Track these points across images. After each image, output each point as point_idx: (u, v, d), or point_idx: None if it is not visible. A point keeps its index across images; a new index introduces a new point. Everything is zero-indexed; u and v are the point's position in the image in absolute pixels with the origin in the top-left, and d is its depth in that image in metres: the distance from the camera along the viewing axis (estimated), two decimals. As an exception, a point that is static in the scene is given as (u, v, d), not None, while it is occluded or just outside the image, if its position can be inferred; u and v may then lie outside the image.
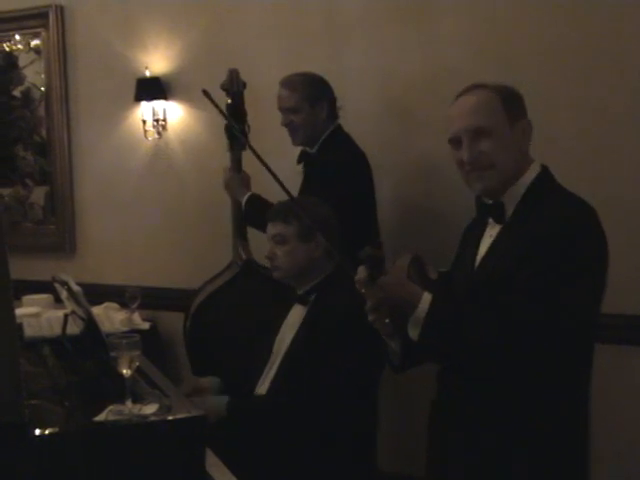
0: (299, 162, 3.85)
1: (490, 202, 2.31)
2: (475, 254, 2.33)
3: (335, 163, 3.64)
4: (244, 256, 4.15)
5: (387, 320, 2.21)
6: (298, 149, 3.87)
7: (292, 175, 3.66)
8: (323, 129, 3.79)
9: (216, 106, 2.72)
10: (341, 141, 3.81)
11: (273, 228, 3.05)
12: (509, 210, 2.26)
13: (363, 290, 2.19)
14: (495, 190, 2.27)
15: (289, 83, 3.79)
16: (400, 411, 4.10)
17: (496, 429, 2.19)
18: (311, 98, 3.75)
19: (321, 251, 2.98)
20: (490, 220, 2.32)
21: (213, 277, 4.25)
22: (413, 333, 2.17)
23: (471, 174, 2.27)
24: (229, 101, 4.05)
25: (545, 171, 2.29)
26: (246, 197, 3.92)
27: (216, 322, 4.09)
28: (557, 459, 2.18)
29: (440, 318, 2.14)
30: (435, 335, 2.15)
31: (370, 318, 2.22)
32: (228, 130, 4.06)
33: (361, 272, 2.18)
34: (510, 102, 2.26)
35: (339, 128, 3.84)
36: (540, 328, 2.06)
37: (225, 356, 4.00)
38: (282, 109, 3.82)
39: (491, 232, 2.31)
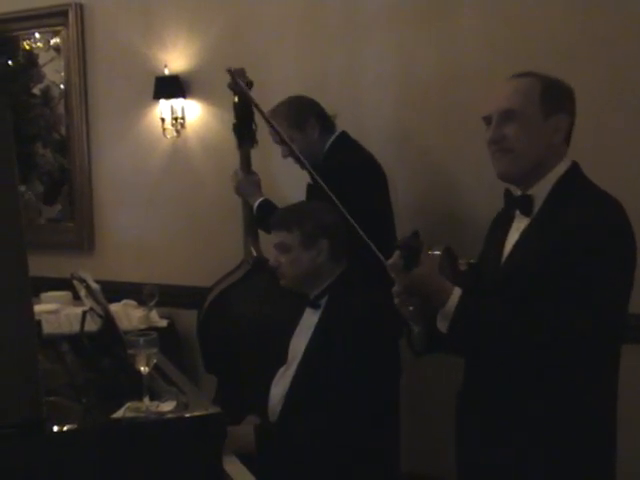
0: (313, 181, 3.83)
1: (518, 194, 2.30)
2: (502, 247, 2.33)
3: (340, 167, 3.61)
4: (255, 254, 4.16)
5: (411, 308, 2.23)
6: None
7: (303, 176, 3.66)
8: (322, 143, 3.77)
9: (241, 88, 2.65)
10: (346, 148, 3.78)
11: (276, 236, 3.04)
12: (537, 204, 2.25)
13: (394, 275, 2.21)
14: (513, 176, 2.28)
15: (273, 116, 3.74)
16: (423, 411, 4.09)
17: (522, 426, 2.19)
18: (298, 123, 3.74)
19: (325, 255, 2.97)
20: (517, 213, 2.31)
21: (225, 275, 4.26)
22: (442, 326, 2.18)
23: (494, 155, 2.28)
24: (236, 99, 4.07)
25: (575, 166, 2.28)
26: (257, 203, 3.92)
27: (228, 319, 4.10)
28: (583, 456, 2.17)
29: (469, 313, 2.15)
30: (463, 330, 2.16)
31: (395, 301, 2.25)
32: (236, 128, 4.08)
33: (396, 258, 2.19)
34: (551, 93, 2.24)
35: (343, 135, 3.81)
36: (570, 327, 2.05)
37: (237, 353, 4.02)
38: (277, 143, 3.81)
39: (519, 225, 2.30)
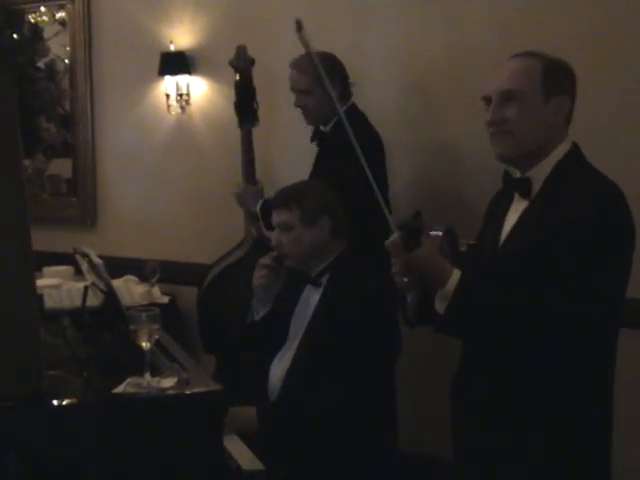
0: (312, 140, 3.83)
1: (517, 176, 2.29)
2: (501, 228, 2.32)
3: (348, 144, 3.60)
4: (255, 233, 4.15)
5: (405, 279, 2.24)
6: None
7: (302, 156, 3.65)
8: (335, 108, 3.76)
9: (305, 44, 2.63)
10: (355, 121, 3.76)
11: (277, 216, 3.03)
12: (536, 186, 2.23)
13: (393, 254, 2.21)
14: (511, 157, 2.26)
15: (298, 65, 3.72)
16: (420, 390, 4.10)
17: (518, 410, 2.19)
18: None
19: (327, 233, 2.97)
20: (516, 195, 2.30)
21: (225, 254, 4.26)
22: (440, 307, 2.18)
23: (493, 136, 2.26)
24: (237, 77, 4.06)
25: (575, 149, 2.26)
26: (259, 204, 3.91)
27: (228, 299, 4.10)
28: (580, 438, 2.18)
29: (468, 295, 2.14)
30: (461, 312, 2.16)
31: (393, 272, 2.25)
32: (237, 106, 4.07)
33: (396, 238, 2.19)
34: (552, 74, 2.22)
35: (353, 106, 3.78)
36: (568, 310, 2.05)
37: (236, 333, 4.02)
38: (293, 90, 3.78)
39: (517, 207, 2.29)
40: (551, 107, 2.22)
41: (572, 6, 3.66)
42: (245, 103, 4.06)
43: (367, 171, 2.37)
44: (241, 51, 4.08)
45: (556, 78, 2.23)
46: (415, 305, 2.33)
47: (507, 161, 2.30)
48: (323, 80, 2.66)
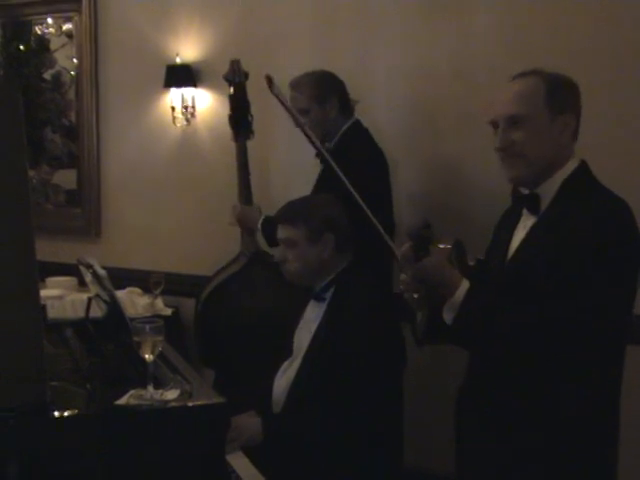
0: (317, 156, 3.83)
1: (526, 192, 2.30)
2: (508, 244, 2.33)
3: (352, 160, 3.62)
4: (252, 247, 4.15)
5: (415, 295, 2.25)
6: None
7: (311, 168, 3.65)
8: (337, 125, 3.76)
9: (277, 97, 2.66)
10: (359, 137, 3.77)
11: (282, 231, 3.04)
12: (544, 202, 2.24)
13: (403, 264, 2.22)
14: (525, 180, 2.27)
15: (296, 85, 3.77)
16: (425, 406, 4.08)
17: (523, 424, 2.18)
18: (319, 97, 3.72)
19: (331, 249, 2.97)
20: (525, 211, 2.31)
21: (222, 268, 4.26)
22: (448, 317, 2.19)
23: (504, 161, 2.27)
24: (231, 91, 4.08)
25: (583, 166, 2.26)
26: (260, 221, 3.91)
27: (225, 313, 4.12)
28: (585, 455, 2.17)
29: (475, 307, 2.15)
30: (468, 322, 2.16)
31: (400, 287, 2.27)
32: (232, 120, 4.09)
33: (407, 247, 2.20)
34: (556, 93, 2.22)
35: (357, 123, 3.80)
36: (572, 327, 2.06)
37: (234, 346, 4.02)
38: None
39: (525, 223, 2.30)
40: (557, 126, 2.22)
41: (581, 22, 3.67)
42: (240, 116, 4.08)
43: (357, 198, 2.42)
44: (235, 65, 4.11)
45: (560, 97, 2.23)
46: (424, 323, 2.33)
47: (520, 183, 2.32)
48: (296, 119, 2.66)
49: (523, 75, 2.29)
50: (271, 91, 2.64)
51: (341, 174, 2.56)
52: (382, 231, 2.42)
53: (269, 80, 2.64)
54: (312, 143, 2.84)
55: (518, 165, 2.24)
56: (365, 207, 2.45)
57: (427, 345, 2.44)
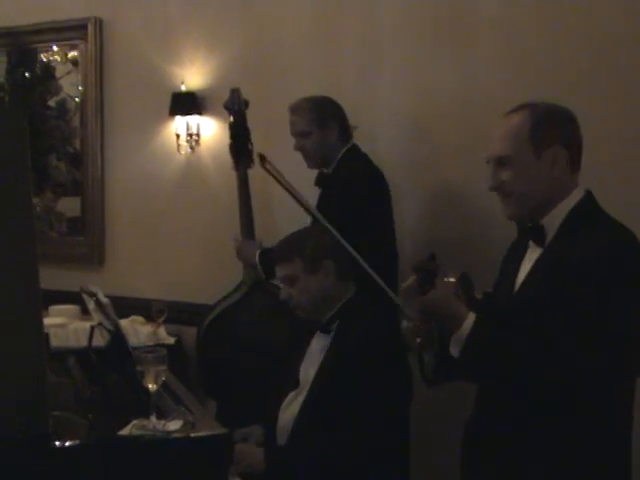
0: (317, 184, 3.83)
1: (530, 224, 2.29)
2: (515, 277, 2.32)
3: (350, 181, 3.62)
4: (253, 276, 4.14)
5: (418, 339, 2.23)
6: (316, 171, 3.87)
7: (313, 195, 3.65)
8: (336, 149, 3.77)
9: (270, 173, 2.67)
10: (357, 160, 3.78)
11: (280, 271, 3.03)
12: (550, 234, 2.23)
13: (406, 299, 2.21)
14: (521, 217, 2.30)
15: (296, 108, 3.79)
16: (432, 438, 4.05)
17: (531, 461, 2.15)
18: (319, 121, 3.73)
19: (333, 276, 2.95)
20: (531, 243, 2.30)
21: (223, 297, 4.25)
22: (454, 350, 2.16)
23: (500, 199, 2.30)
24: (231, 119, 4.09)
25: (588, 196, 2.26)
26: (257, 255, 3.89)
27: (226, 342, 4.11)
28: None
29: (482, 340, 2.13)
30: (475, 355, 2.14)
31: (402, 331, 2.27)
32: (232, 148, 4.10)
33: (412, 281, 2.19)
34: (540, 129, 2.22)
35: (355, 147, 3.80)
36: (580, 361, 2.04)
37: (236, 376, 4.00)
38: (293, 134, 3.83)
39: (531, 255, 2.29)
40: (545, 161, 2.22)
41: (586, 49, 3.66)
42: (240, 145, 4.09)
43: (344, 243, 2.43)
44: (235, 93, 4.13)
45: (545, 132, 2.23)
46: (432, 362, 2.31)
47: (517, 220, 2.37)
48: (293, 193, 2.66)
49: (514, 110, 2.30)
50: (264, 168, 2.65)
51: (330, 227, 2.55)
52: (376, 277, 2.40)
53: (262, 158, 2.66)
54: (312, 215, 2.83)
55: (510, 204, 2.27)
56: (353, 251, 2.45)
57: (438, 385, 2.40)
